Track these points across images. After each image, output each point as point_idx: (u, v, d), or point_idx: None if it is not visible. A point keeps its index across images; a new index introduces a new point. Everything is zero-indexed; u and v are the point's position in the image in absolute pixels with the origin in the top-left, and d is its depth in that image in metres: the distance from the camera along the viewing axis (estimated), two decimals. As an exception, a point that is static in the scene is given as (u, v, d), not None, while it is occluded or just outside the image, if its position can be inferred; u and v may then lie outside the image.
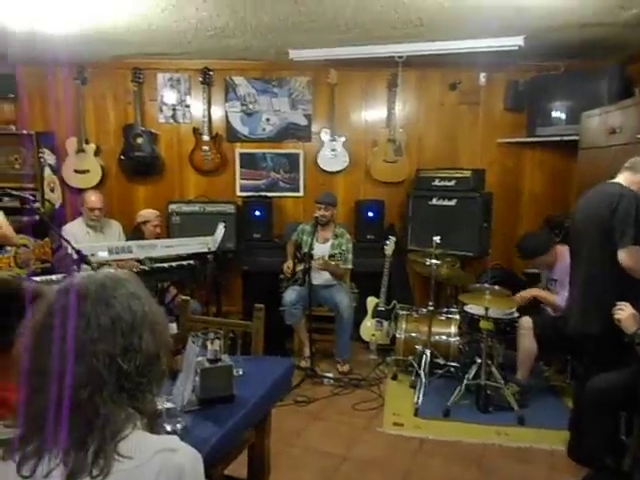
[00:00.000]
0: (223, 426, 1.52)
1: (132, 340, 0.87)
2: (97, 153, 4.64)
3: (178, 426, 1.49)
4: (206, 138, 4.60)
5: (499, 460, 2.78)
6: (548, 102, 4.32)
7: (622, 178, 2.53)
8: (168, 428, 1.49)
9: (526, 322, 3.23)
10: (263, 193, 4.70)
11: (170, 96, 4.69)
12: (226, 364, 1.67)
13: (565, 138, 4.13)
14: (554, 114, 4.30)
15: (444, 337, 3.69)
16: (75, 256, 2.55)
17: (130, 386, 0.87)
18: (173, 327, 1.85)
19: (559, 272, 3.33)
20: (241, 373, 1.89)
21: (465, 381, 3.23)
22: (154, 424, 0.94)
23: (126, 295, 0.90)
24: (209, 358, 1.69)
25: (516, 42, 3.62)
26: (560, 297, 3.20)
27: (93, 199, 3.89)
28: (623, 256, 2.35)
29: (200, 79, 4.55)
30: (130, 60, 4.50)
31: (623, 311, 2.14)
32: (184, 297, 2.46)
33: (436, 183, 4.39)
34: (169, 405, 1.55)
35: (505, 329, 3.39)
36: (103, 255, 3.12)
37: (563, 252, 3.23)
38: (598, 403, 2.33)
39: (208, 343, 1.70)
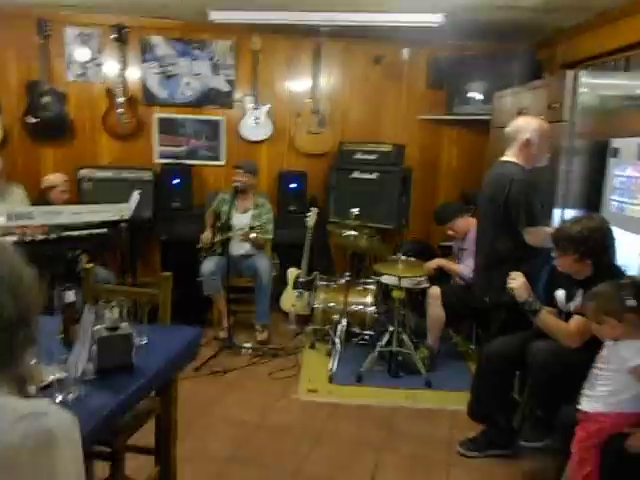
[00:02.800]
0: (118, 395, 1.47)
1: None
2: (-4, 111, 4.26)
3: (70, 396, 1.43)
4: (121, 100, 4.34)
5: (406, 421, 2.93)
6: (465, 81, 4.47)
7: (511, 153, 2.69)
8: (59, 398, 1.43)
9: (434, 291, 3.39)
10: (183, 160, 4.54)
11: (80, 53, 4.36)
12: (125, 332, 1.62)
13: (480, 117, 4.31)
14: (470, 93, 4.46)
15: (360, 306, 3.79)
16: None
17: None
18: (70, 295, 1.76)
19: (468, 242, 3.51)
20: (144, 342, 1.85)
21: (377, 348, 3.35)
22: (23, 389, 0.89)
23: None
24: (107, 326, 1.62)
25: (436, 19, 3.69)
26: (464, 265, 3.39)
27: (-10, 163, 3.58)
28: (526, 237, 2.56)
29: (114, 36, 4.26)
30: (34, 10, 4.13)
31: (515, 280, 2.29)
32: (86, 265, 2.34)
33: (358, 156, 4.45)
34: (61, 375, 1.48)
35: (417, 298, 3.54)
36: (1, 221, 2.90)
37: (473, 224, 3.41)
38: (492, 365, 2.51)
39: (106, 311, 1.63)
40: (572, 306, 2.35)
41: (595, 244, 2.17)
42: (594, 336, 2.19)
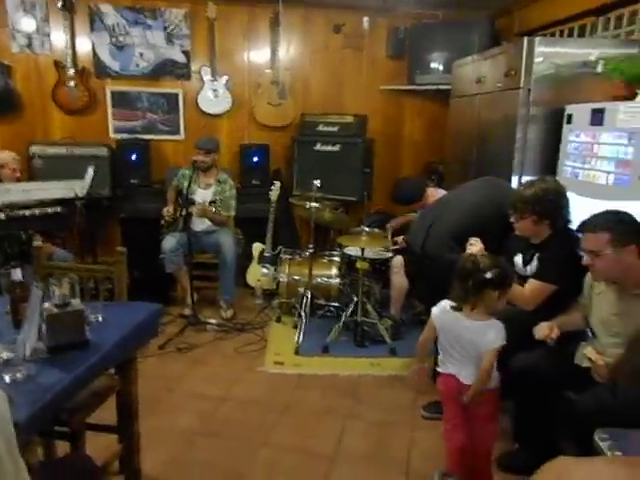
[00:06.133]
0: (71, 372, 1.43)
1: None
2: None
3: (18, 375, 1.39)
4: (71, 72, 4.14)
5: (372, 388, 2.98)
6: (426, 51, 4.44)
7: None
8: (7, 378, 1.38)
9: (397, 260, 3.42)
10: (139, 135, 4.40)
11: (24, 23, 4.12)
12: (76, 308, 1.57)
13: (440, 87, 4.30)
14: (432, 63, 4.44)
15: (325, 279, 3.80)
16: None
17: None
18: (17, 273, 1.68)
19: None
20: (100, 319, 1.80)
21: (343, 318, 3.38)
22: None
23: None
24: (57, 303, 1.56)
25: (395, -15, 3.63)
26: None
27: None
28: None
29: (59, 4, 4.04)
30: (-30, -25, 3.87)
31: (474, 245, 2.33)
32: (37, 243, 2.25)
33: (320, 128, 4.41)
34: (8, 355, 1.43)
35: (381, 268, 3.56)
36: (-56, 201, 2.75)
37: (434, 194, 3.42)
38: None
39: (55, 287, 1.57)
40: (529, 270, 2.41)
41: (550, 204, 2.22)
42: (549, 299, 2.27)
